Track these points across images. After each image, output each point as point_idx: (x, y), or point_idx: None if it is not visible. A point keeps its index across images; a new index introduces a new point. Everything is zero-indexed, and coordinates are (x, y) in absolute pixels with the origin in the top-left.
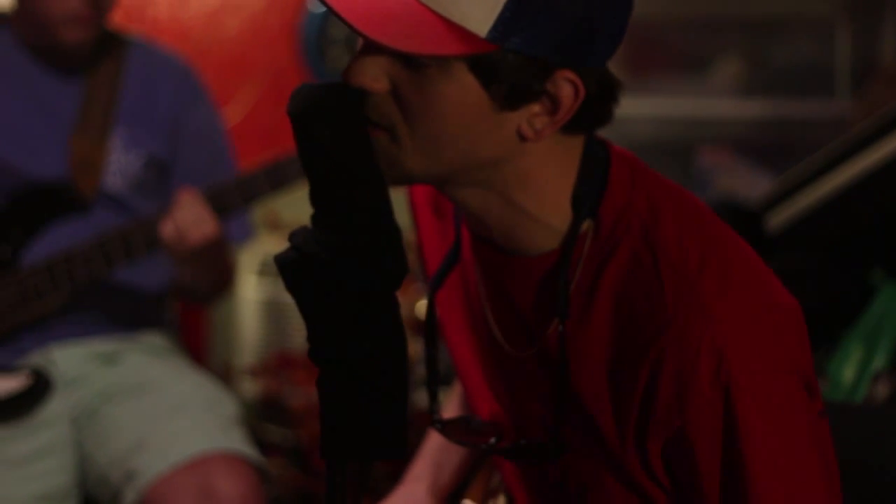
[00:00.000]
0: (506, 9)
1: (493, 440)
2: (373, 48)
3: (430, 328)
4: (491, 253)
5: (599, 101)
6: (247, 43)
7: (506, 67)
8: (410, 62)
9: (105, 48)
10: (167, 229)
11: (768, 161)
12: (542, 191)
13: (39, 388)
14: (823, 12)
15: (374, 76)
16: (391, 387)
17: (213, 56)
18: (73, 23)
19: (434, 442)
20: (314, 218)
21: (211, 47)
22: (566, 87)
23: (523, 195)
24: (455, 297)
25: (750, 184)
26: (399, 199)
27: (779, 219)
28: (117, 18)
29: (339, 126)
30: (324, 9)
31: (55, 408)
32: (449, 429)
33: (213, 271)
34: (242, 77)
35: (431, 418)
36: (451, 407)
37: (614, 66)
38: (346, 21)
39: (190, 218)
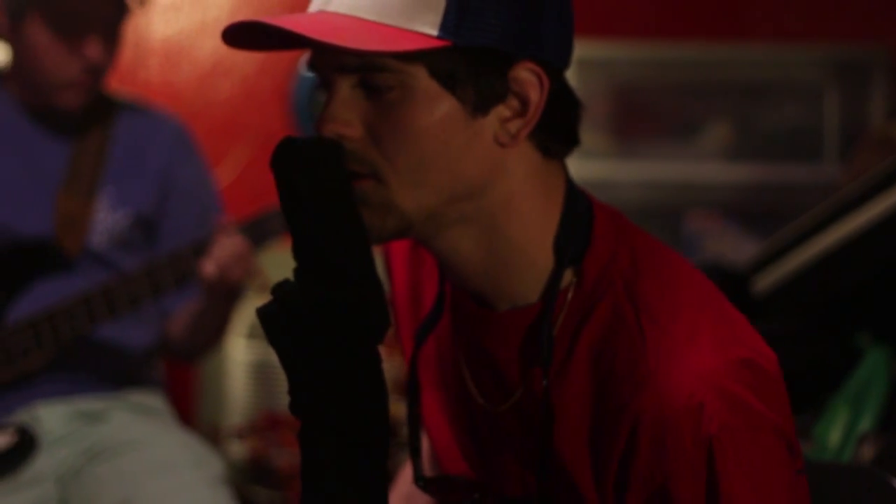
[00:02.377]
0: (449, 3)
1: (476, 496)
2: (337, 95)
3: (412, 385)
4: (471, 306)
5: (565, 108)
6: (238, 105)
7: (464, 65)
8: (375, 93)
9: (96, 109)
10: (208, 269)
11: (757, 226)
12: (528, 223)
13: (25, 446)
14: (812, 77)
15: (346, 121)
16: (372, 441)
17: (204, 118)
18: (71, 89)
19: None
20: (297, 271)
21: (202, 109)
22: (529, 78)
23: (509, 226)
24: (428, 353)
25: (738, 248)
26: (379, 254)
27: (766, 282)
28: (109, 80)
29: (322, 179)
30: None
31: (41, 466)
32: (432, 485)
33: (229, 313)
34: (233, 139)
35: (414, 476)
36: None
37: (602, 132)
38: (296, 34)
39: (231, 255)
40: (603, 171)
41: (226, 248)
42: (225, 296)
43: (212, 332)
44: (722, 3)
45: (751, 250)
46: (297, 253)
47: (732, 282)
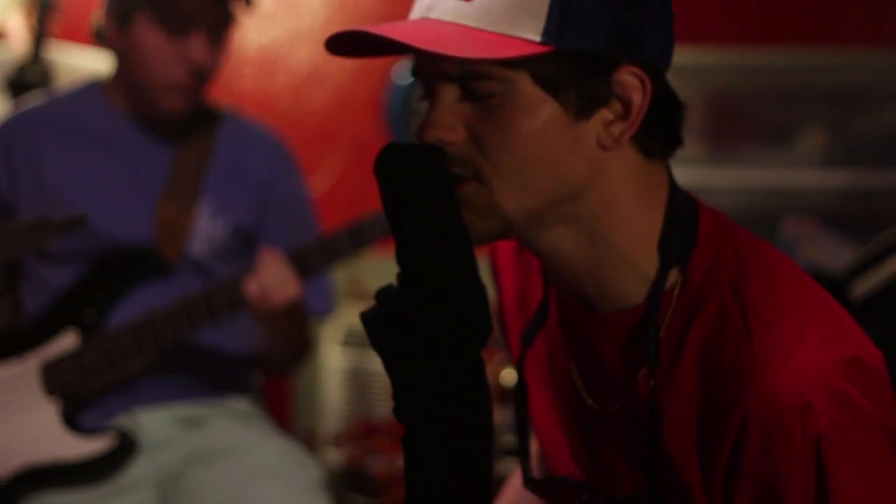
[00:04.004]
0: (552, 9)
1: (585, 496)
2: (440, 101)
3: (520, 389)
4: (577, 309)
5: (667, 110)
6: (332, 114)
7: (567, 70)
8: (477, 98)
9: (197, 119)
10: (252, 288)
11: (853, 231)
12: (630, 224)
13: (125, 449)
14: None
15: (448, 126)
16: (476, 446)
17: (298, 127)
18: (175, 91)
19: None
20: (400, 276)
21: (297, 119)
22: (631, 81)
23: (611, 227)
24: (538, 356)
25: (835, 254)
26: (482, 262)
27: (863, 288)
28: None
29: (425, 183)
30: (409, 81)
31: (141, 471)
32: (541, 487)
33: (292, 337)
34: (328, 148)
35: (523, 477)
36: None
37: (697, 138)
38: (402, 43)
39: (274, 279)
40: (698, 177)
41: (269, 270)
42: (278, 317)
43: (285, 351)
44: (817, 9)
45: (847, 256)
46: (401, 257)
47: (829, 288)
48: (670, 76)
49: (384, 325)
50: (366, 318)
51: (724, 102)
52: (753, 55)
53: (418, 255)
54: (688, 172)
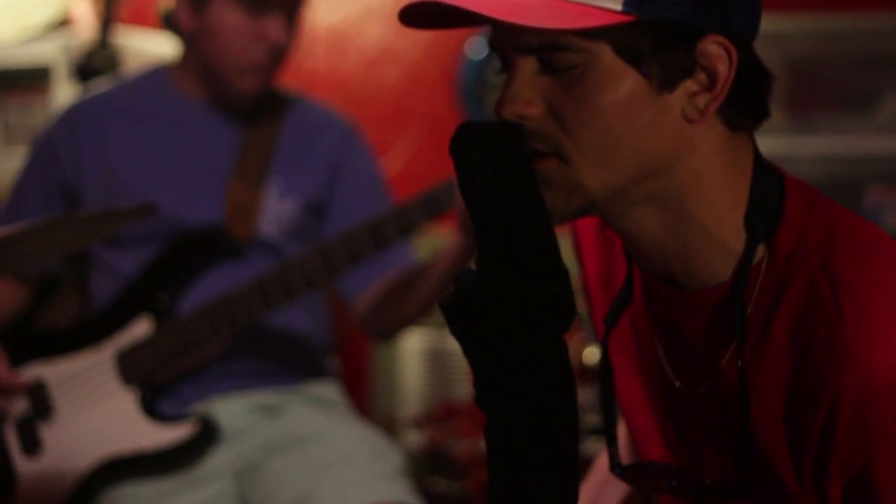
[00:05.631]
0: None
1: (674, 482)
2: (518, 75)
3: (605, 371)
4: (662, 288)
5: (754, 81)
6: (405, 92)
7: (649, 40)
8: (557, 71)
9: (266, 100)
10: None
11: None
12: (717, 200)
13: (208, 436)
14: None
15: (527, 100)
16: (561, 433)
17: (371, 106)
18: (253, 72)
19: (588, 489)
20: (479, 260)
21: (369, 97)
22: (717, 51)
23: (698, 204)
24: (623, 337)
25: None
26: (564, 241)
27: None
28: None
29: (504, 163)
30: (482, 55)
31: (219, 461)
32: (628, 473)
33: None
34: (401, 126)
35: (610, 463)
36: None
37: (778, 107)
38: (478, 14)
39: None
40: (779, 146)
41: None
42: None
43: (417, 306)
44: None
45: None
46: (480, 241)
47: None
48: None
49: (464, 312)
50: (444, 304)
51: (804, 69)
52: (833, 21)
53: (497, 239)
54: (767, 142)
